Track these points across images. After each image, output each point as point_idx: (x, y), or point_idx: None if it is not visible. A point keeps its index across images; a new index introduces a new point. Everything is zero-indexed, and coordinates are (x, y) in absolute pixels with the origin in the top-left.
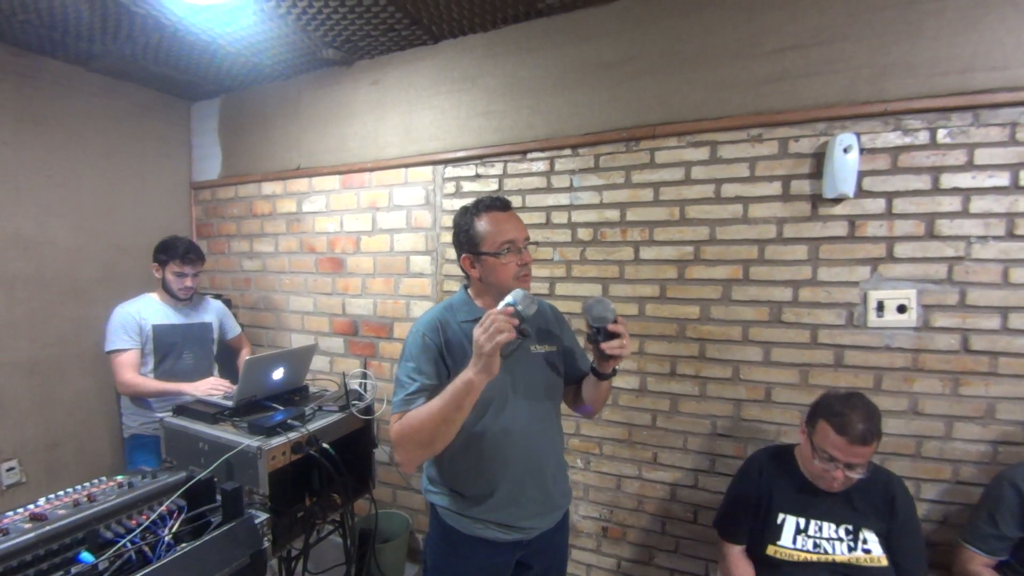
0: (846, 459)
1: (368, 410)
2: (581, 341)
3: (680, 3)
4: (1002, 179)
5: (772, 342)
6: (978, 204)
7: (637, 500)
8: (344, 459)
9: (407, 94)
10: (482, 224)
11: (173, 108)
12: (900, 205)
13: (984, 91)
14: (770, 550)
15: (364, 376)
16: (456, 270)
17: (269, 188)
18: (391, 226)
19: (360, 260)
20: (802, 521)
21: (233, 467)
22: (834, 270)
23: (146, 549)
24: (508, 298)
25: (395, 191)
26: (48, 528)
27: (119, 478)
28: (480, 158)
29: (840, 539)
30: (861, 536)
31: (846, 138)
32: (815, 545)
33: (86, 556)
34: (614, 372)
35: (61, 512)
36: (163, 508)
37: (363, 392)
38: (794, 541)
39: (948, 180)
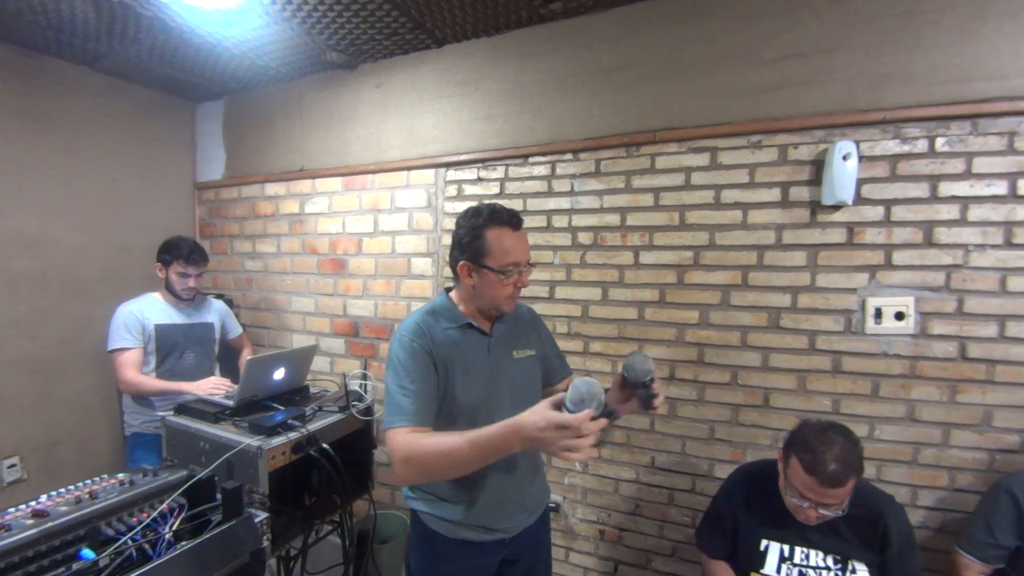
0: (818, 500)
1: (368, 411)
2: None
3: (680, 11)
4: (1000, 188)
5: (770, 348)
6: (976, 212)
7: (635, 503)
8: (343, 460)
9: (410, 97)
10: (492, 237)
11: (177, 109)
12: (898, 213)
13: (982, 100)
14: None
15: (364, 377)
16: None
17: (272, 189)
18: (393, 228)
19: (362, 261)
20: (787, 548)
21: (233, 466)
22: (832, 277)
23: (147, 547)
24: (584, 392)
25: (397, 193)
26: (50, 524)
27: (120, 476)
28: (482, 161)
29: (828, 568)
30: (850, 566)
31: (845, 145)
32: (800, 574)
33: (87, 553)
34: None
35: (63, 509)
36: (164, 506)
37: (363, 393)
38: (778, 570)
39: (946, 188)
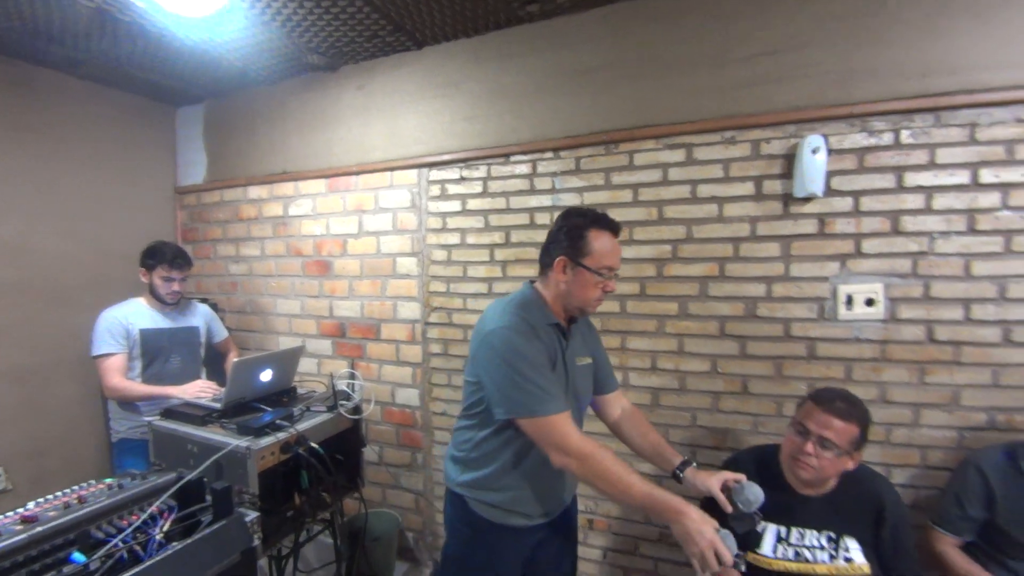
0: (819, 430)
1: (356, 410)
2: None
3: (655, 12)
4: (962, 177)
5: (748, 336)
6: (940, 201)
7: None
8: (333, 459)
9: (392, 99)
10: (596, 238)
11: (158, 113)
12: (867, 203)
13: (944, 94)
14: (749, 557)
15: (352, 377)
16: (442, 271)
17: (255, 192)
18: (377, 229)
19: (347, 263)
20: (783, 529)
21: (223, 468)
22: (805, 266)
23: (137, 548)
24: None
25: (381, 194)
26: (39, 529)
27: (108, 481)
28: (464, 161)
29: (822, 547)
30: (843, 544)
31: (814, 139)
32: (796, 554)
33: (78, 556)
34: None
35: (52, 514)
36: (154, 508)
37: (351, 392)
38: (774, 550)
39: (912, 179)
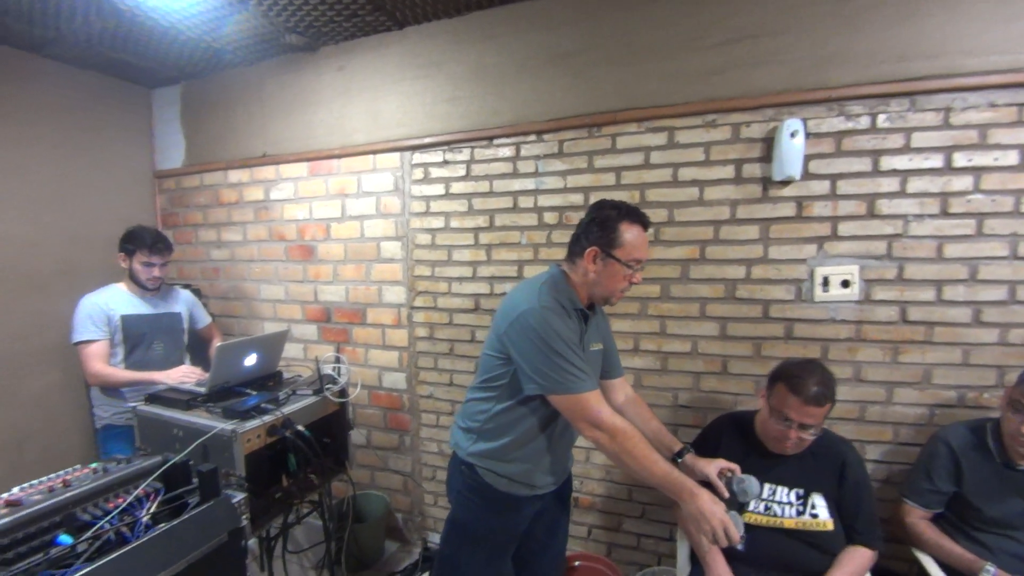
0: (800, 419)
1: (343, 393)
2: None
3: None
4: (936, 161)
5: (728, 317)
6: (915, 184)
7: (605, 470)
8: (320, 442)
9: (373, 80)
10: (627, 231)
11: (132, 95)
12: (843, 186)
13: (919, 78)
14: None
15: (338, 360)
16: (427, 255)
17: (235, 176)
18: (360, 212)
19: (330, 247)
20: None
21: (209, 451)
22: (783, 248)
23: (125, 530)
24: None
25: (363, 177)
26: (24, 512)
27: (93, 465)
28: (447, 144)
29: (790, 503)
30: (810, 501)
31: (793, 123)
32: (766, 508)
33: (64, 538)
34: None
35: (36, 498)
36: (140, 490)
37: (336, 376)
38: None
39: (887, 162)
